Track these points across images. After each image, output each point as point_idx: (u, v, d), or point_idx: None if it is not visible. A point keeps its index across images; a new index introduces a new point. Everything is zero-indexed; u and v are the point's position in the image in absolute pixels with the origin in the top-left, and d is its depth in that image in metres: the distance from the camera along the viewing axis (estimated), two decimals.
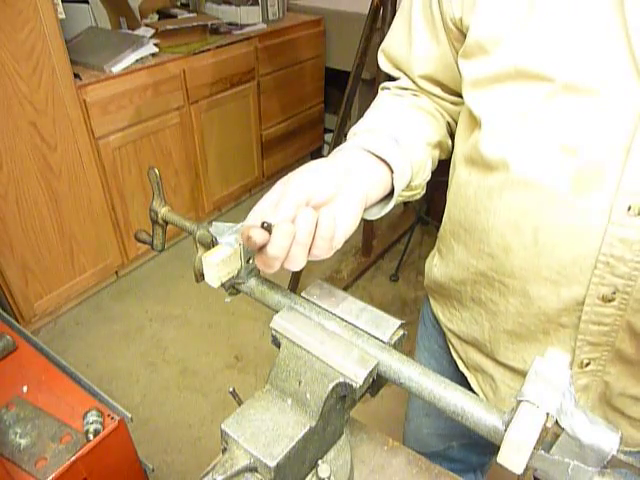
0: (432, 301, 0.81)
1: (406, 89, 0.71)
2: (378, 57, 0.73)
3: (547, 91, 0.50)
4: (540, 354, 0.40)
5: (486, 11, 0.54)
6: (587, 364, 0.58)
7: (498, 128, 0.55)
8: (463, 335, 0.71)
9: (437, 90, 0.69)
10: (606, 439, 0.35)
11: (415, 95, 0.70)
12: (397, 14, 0.69)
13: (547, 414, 0.36)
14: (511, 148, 0.54)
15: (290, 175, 0.49)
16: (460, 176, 0.62)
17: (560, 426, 0.36)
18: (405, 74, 0.70)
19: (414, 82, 0.69)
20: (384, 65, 0.72)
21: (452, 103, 0.70)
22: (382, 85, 0.74)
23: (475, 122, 0.58)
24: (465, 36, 0.58)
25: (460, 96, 0.63)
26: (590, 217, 0.50)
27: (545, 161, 0.51)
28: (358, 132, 0.61)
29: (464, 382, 0.73)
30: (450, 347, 0.78)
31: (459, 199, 0.63)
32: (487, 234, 0.59)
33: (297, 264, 0.46)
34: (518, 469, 0.36)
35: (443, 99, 0.70)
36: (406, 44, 0.67)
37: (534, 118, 0.52)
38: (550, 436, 0.37)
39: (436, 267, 0.73)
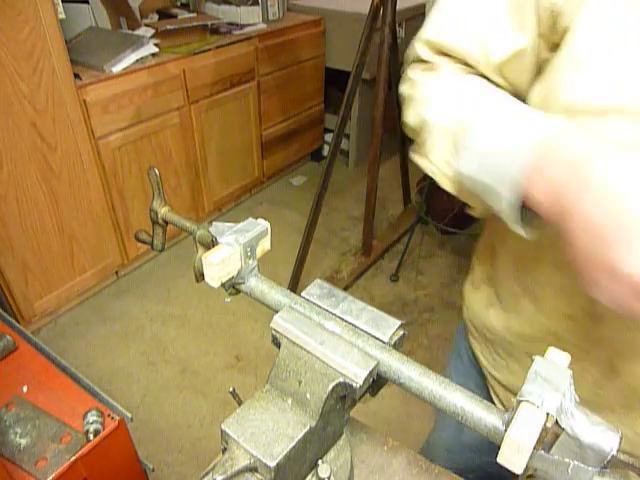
0: (471, 339, 0.71)
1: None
2: (418, 48, 0.59)
3: None
4: (616, 426, 0.36)
5: (596, 19, 0.42)
6: None
7: None
8: (511, 387, 0.63)
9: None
10: (606, 439, 0.35)
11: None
12: None
13: (547, 414, 0.36)
14: None
15: None
16: None
17: (560, 426, 0.36)
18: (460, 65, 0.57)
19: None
20: (427, 54, 0.59)
21: None
22: (431, 67, 0.58)
23: None
24: (556, 33, 0.47)
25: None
26: None
27: None
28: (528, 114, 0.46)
29: None
30: (492, 394, 0.69)
31: (529, 247, 0.50)
32: (569, 295, 0.49)
33: None
34: (518, 469, 0.36)
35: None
36: (474, 34, 0.53)
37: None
38: (550, 436, 0.37)
39: (492, 308, 0.62)
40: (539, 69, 0.52)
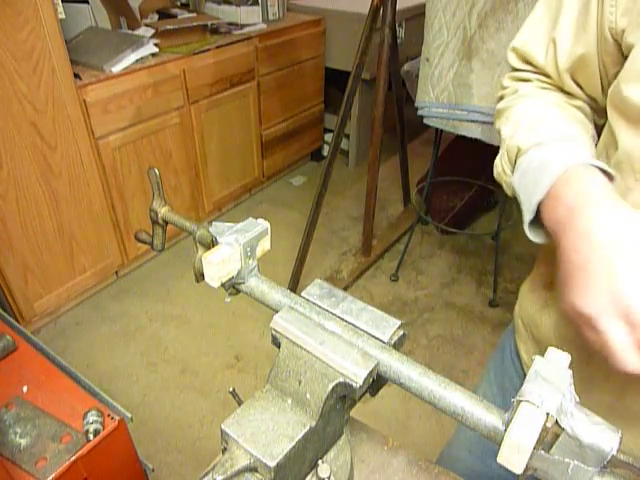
0: (517, 337, 0.73)
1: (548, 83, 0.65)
2: (509, 55, 0.68)
3: None
4: None
5: None
6: None
7: None
8: None
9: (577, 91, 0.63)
10: (606, 439, 0.35)
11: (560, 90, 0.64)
12: (538, 10, 0.64)
13: (547, 414, 0.36)
14: None
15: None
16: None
17: (560, 426, 0.36)
18: (541, 74, 0.65)
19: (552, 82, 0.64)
20: (515, 62, 0.67)
21: (590, 107, 0.65)
22: (518, 76, 0.67)
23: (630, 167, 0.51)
24: (622, 54, 0.52)
25: (596, 101, 0.60)
26: None
27: None
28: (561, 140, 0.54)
29: None
30: None
31: None
32: None
33: None
34: (518, 469, 0.36)
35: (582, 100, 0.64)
36: (547, 43, 0.62)
37: None
38: (550, 436, 0.37)
39: (548, 308, 0.65)
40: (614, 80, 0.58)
